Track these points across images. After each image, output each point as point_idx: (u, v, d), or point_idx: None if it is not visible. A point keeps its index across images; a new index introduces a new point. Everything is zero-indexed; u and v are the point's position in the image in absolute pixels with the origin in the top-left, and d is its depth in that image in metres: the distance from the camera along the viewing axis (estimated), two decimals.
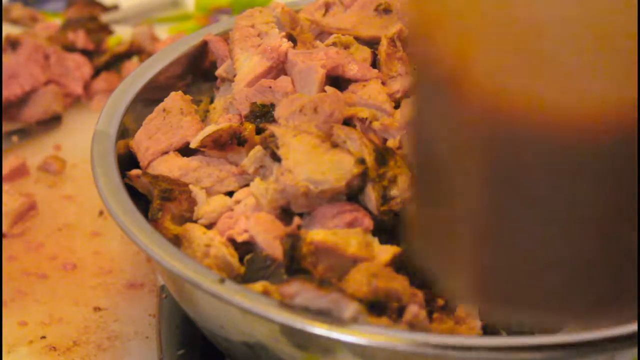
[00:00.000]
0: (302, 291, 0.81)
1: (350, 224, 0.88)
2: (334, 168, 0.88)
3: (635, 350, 0.79)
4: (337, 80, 1.00)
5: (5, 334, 1.07)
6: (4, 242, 1.21)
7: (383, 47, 1.03)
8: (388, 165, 0.90)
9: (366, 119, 0.94)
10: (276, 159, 0.90)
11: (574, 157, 0.57)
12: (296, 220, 0.88)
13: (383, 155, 0.90)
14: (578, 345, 0.78)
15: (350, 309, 0.80)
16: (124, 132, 1.03)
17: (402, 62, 1.03)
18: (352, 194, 0.90)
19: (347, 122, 0.95)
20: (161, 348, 1.01)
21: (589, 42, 0.55)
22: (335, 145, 0.90)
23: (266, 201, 0.89)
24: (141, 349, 1.06)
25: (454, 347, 0.78)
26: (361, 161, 0.88)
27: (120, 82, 1.12)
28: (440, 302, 0.88)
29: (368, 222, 0.89)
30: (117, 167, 0.97)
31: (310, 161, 0.88)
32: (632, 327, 0.79)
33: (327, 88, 0.95)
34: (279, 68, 1.02)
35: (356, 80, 0.99)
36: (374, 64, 1.04)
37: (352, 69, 0.99)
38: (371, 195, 0.88)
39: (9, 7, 1.69)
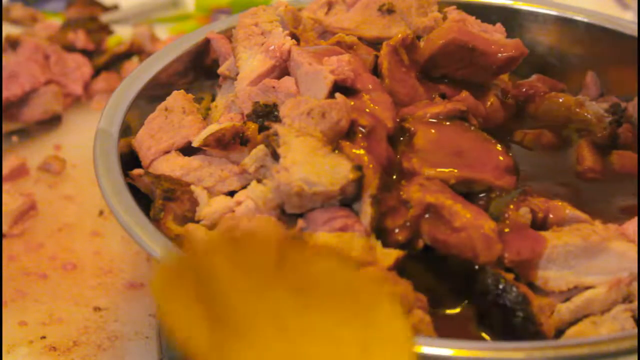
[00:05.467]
0: None
1: (341, 230, 0.87)
2: (331, 172, 0.87)
3: (636, 357, 0.79)
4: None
5: (5, 334, 1.07)
6: (4, 242, 1.21)
7: (384, 55, 1.02)
8: (392, 193, 0.90)
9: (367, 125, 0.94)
10: (276, 157, 0.90)
11: None
12: (300, 222, 0.87)
13: (388, 183, 0.90)
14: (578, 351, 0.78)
15: None
16: (126, 130, 1.03)
17: (405, 70, 1.03)
18: (347, 201, 0.89)
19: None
20: (161, 348, 1.01)
21: None
22: (335, 150, 0.90)
23: (262, 202, 0.89)
24: (141, 349, 1.06)
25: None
26: (357, 168, 0.88)
27: (120, 82, 1.11)
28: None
29: (359, 228, 0.88)
30: (119, 166, 0.96)
31: (308, 162, 0.88)
32: (632, 333, 0.79)
33: (337, 95, 0.95)
34: (282, 67, 1.02)
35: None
36: (377, 66, 1.04)
37: (361, 81, 0.99)
38: (367, 211, 0.88)
39: (9, 7, 1.69)
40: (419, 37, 1.08)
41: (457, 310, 0.88)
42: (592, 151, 1.05)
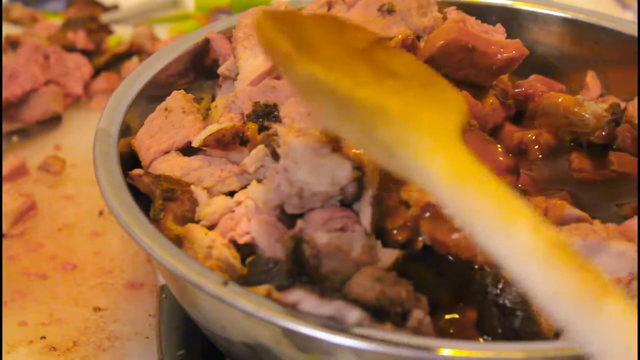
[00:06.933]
0: (305, 299, 0.80)
1: (341, 230, 0.87)
2: (331, 172, 0.87)
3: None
4: None
5: (5, 334, 1.07)
6: (4, 242, 1.21)
7: None
8: (392, 193, 0.90)
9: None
10: (276, 157, 0.90)
11: None
12: (299, 223, 0.87)
13: (388, 183, 0.90)
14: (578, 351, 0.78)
15: (354, 316, 0.79)
16: (126, 131, 1.03)
17: None
18: (347, 201, 0.89)
19: None
20: (161, 348, 1.01)
21: None
22: (335, 150, 0.90)
23: (262, 202, 0.89)
24: (141, 349, 1.06)
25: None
26: (358, 168, 0.88)
27: (120, 82, 1.11)
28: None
29: (359, 228, 0.88)
30: (119, 166, 0.96)
31: (309, 162, 0.88)
32: None
33: None
34: None
35: None
36: None
37: None
38: (367, 211, 0.88)
39: (9, 7, 1.69)
40: (418, 38, 1.08)
41: (457, 310, 0.88)
42: (582, 151, 1.05)
